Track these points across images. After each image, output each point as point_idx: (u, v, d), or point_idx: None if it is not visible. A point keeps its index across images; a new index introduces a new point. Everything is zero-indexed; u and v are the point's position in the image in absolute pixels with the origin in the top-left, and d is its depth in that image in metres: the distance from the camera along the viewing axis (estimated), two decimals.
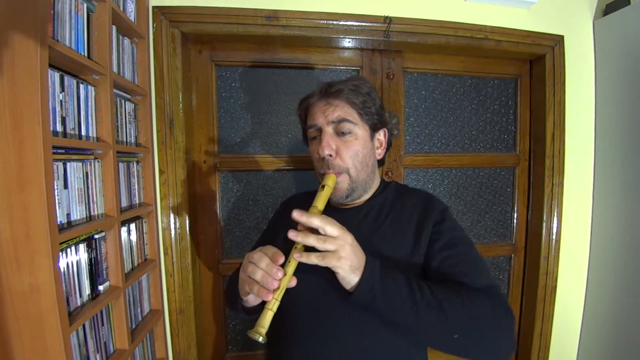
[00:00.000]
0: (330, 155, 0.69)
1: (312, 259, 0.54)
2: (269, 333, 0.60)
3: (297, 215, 0.55)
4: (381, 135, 0.78)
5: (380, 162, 0.81)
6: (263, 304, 0.59)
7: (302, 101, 0.78)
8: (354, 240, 0.57)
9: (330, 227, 0.55)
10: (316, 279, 0.62)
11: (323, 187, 0.67)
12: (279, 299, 0.56)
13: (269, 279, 0.54)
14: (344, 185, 0.71)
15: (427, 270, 0.67)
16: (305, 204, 0.67)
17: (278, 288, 0.55)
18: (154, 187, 1.11)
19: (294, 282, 0.57)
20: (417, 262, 0.67)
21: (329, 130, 0.70)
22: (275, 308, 0.56)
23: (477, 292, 0.60)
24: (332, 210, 0.75)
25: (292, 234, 0.55)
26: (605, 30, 1.31)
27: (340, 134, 0.70)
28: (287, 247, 0.58)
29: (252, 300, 0.62)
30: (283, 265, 0.56)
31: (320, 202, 0.64)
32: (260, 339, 0.54)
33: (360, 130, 0.72)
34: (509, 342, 0.60)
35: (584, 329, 1.41)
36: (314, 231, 0.56)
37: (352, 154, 0.70)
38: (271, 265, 0.55)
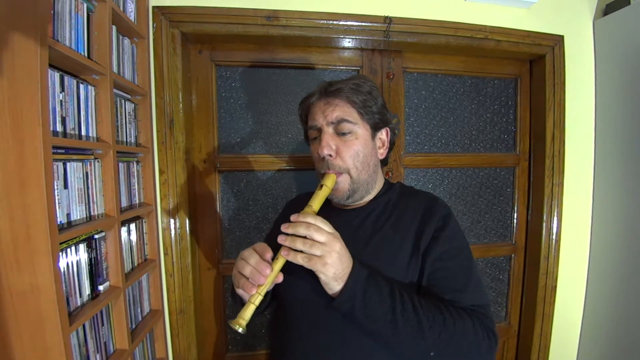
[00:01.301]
0: (330, 156, 0.69)
1: (298, 259, 0.56)
2: (271, 333, 0.60)
3: (284, 228, 0.57)
4: (383, 135, 0.77)
5: (384, 162, 0.80)
6: (264, 306, 0.59)
7: (302, 101, 0.78)
8: (342, 248, 0.58)
9: (318, 234, 0.55)
10: (315, 282, 0.62)
11: (322, 186, 0.66)
12: (263, 293, 0.58)
13: (256, 275, 0.56)
14: (345, 186, 0.70)
15: (420, 278, 0.67)
16: (305, 204, 0.67)
17: (263, 284, 0.57)
18: (154, 187, 1.11)
19: (280, 279, 0.59)
20: (415, 267, 0.67)
21: (328, 130, 0.70)
22: (257, 302, 0.57)
23: (463, 312, 0.61)
24: (334, 211, 0.75)
25: (280, 239, 0.57)
26: (605, 30, 1.31)
27: (340, 134, 0.70)
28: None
29: (245, 296, 0.62)
30: (272, 260, 0.58)
31: (316, 201, 0.64)
32: (240, 330, 0.56)
33: (360, 129, 0.71)
34: None
35: (584, 329, 1.41)
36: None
37: (353, 154, 0.69)
38: (260, 262, 0.57)
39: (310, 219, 0.57)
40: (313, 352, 0.65)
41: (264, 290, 0.57)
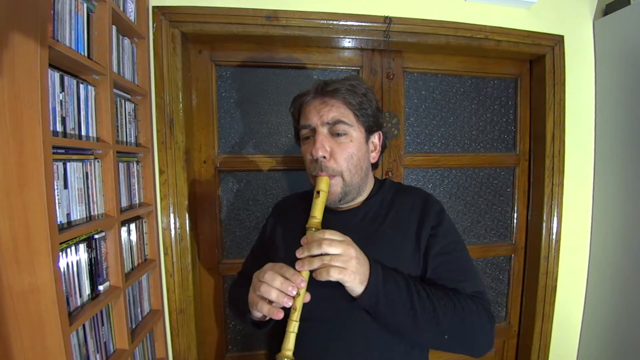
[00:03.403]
0: (324, 157, 0.68)
1: (333, 275, 0.55)
2: (271, 336, 0.59)
3: (299, 254, 0.58)
4: (375, 139, 0.77)
5: (374, 166, 0.80)
6: (274, 320, 0.61)
7: (295, 98, 0.76)
8: (357, 251, 0.58)
9: (332, 248, 0.56)
10: (320, 285, 0.62)
11: (318, 193, 0.65)
12: (298, 320, 0.57)
13: (284, 298, 0.56)
14: (337, 189, 0.69)
15: (423, 273, 0.69)
16: (298, 208, 0.67)
17: (294, 309, 0.57)
18: (154, 187, 1.11)
19: (308, 298, 0.58)
20: (417, 264, 0.69)
21: (323, 130, 0.68)
22: (296, 330, 0.57)
23: (467, 298, 0.65)
24: (329, 213, 0.74)
25: (298, 265, 0.57)
26: (605, 30, 1.31)
27: (335, 135, 0.69)
28: (288, 255, 0.60)
29: (260, 315, 0.62)
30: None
31: (317, 211, 0.63)
32: None
33: (355, 132, 0.70)
34: (489, 343, 0.66)
35: (584, 329, 1.41)
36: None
37: (347, 156, 0.68)
38: (286, 283, 0.56)
39: (320, 235, 0.58)
40: (321, 354, 0.65)
41: (298, 315, 0.57)
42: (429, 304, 0.60)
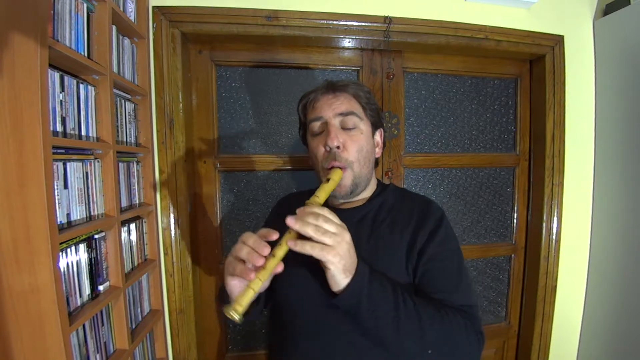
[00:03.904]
0: (338, 147, 0.69)
1: (307, 248, 0.51)
2: (269, 334, 0.58)
3: (290, 219, 0.52)
4: (377, 136, 0.79)
5: (375, 163, 0.81)
6: (251, 307, 0.57)
7: (303, 97, 0.78)
8: (351, 240, 0.56)
9: (328, 224, 0.53)
10: (312, 281, 0.62)
11: (328, 180, 0.66)
12: (263, 279, 0.52)
13: (254, 255, 0.51)
14: (348, 182, 0.70)
15: (414, 278, 0.67)
16: (303, 204, 0.66)
17: (263, 268, 0.51)
18: (154, 187, 1.11)
19: (280, 268, 0.53)
20: (411, 265, 0.67)
21: (335, 122, 0.71)
22: (257, 288, 0.52)
23: (457, 312, 0.62)
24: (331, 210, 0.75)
25: (290, 221, 0.52)
26: (605, 30, 1.31)
27: (346, 129, 0.71)
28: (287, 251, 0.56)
29: (236, 287, 0.57)
30: (273, 246, 0.53)
31: (322, 193, 0.63)
32: (237, 318, 0.50)
33: (364, 125, 0.73)
34: None
35: (584, 329, 1.41)
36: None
37: (358, 148, 0.71)
38: (259, 241, 0.52)
39: (318, 209, 0.54)
40: (310, 353, 0.65)
41: (265, 275, 0.51)
42: (415, 313, 0.57)
